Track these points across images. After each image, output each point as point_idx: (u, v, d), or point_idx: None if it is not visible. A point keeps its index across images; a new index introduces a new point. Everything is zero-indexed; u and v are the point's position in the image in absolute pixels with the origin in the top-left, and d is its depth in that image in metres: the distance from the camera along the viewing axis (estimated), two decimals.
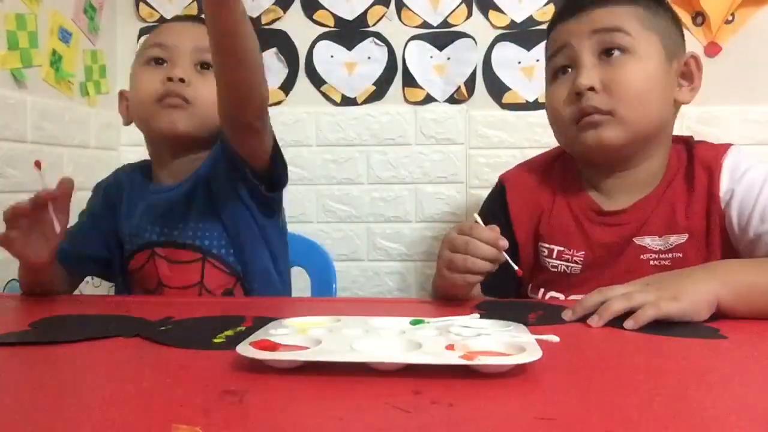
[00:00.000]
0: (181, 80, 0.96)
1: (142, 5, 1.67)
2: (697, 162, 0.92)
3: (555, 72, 0.94)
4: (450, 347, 0.53)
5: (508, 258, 0.77)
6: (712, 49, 1.53)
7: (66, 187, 0.84)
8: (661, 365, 0.54)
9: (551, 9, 1.61)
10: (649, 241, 0.90)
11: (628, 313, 0.67)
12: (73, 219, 0.91)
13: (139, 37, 1.67)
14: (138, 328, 0.65)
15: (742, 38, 1.52)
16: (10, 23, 1.24)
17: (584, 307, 0.71)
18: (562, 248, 0.95)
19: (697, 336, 0.64)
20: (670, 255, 0.90)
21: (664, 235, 0.90)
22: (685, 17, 1.51)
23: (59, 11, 1.40)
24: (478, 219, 0.81)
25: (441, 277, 0.82)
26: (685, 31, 1.50)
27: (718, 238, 0.89)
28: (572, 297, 0.92)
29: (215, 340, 0.60)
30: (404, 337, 0.57)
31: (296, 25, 1.63)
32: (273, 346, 0.54)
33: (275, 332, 0.58)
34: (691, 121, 1.51)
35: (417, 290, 1.62)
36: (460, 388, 0.46)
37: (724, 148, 0.92)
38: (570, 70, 0.92)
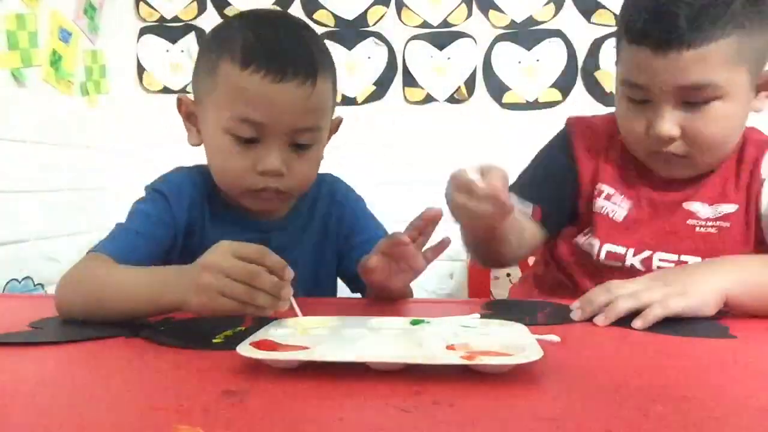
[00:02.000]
0: (279, 175, 0.83)
1: (142, 5, 1.67)
2: (749, 142, 0.92)
3: (631, 97, 0.88)
4: (450, 347, 0.53)
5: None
6: None
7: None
8: (664, 364, 0.54)
9: (551, 9, 1.61)
10: (699, 207, 0.91)
11: (636, 312, 0.67)
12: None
13: (139, 37, 1.67)
14: (138, 328, 0.65)
15: None
16: (10, 23, 1.24)
17: (593, 305, 0.70)
18: (612, 192, 0.95)
19: (705, 335, 0.63)
20: (717, 223, 0.90)
21: (714, 204, 0.91)
22: None
23: (59, 11, 1.41)
24: (475, 174, 0.76)
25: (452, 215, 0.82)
26: None
27: (754, 220, 0.90)
28: (607, 247, 0.93)
29: (215, 340, 0.60)
30: (404, 337, 0.57)
31: None
32: (273, 346, 0.54)
33: (275, 332, 0.58)
34: None
35: (418, 290, 1.62)
36: (460, 388, 0.46)
37: None
38: (647, 102, 0.86)
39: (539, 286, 1.07)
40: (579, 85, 1.67)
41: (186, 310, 0.65)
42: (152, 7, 1.66)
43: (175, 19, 1.66)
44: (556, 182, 0.98)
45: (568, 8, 1.61)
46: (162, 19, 1.66)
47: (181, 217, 0.90)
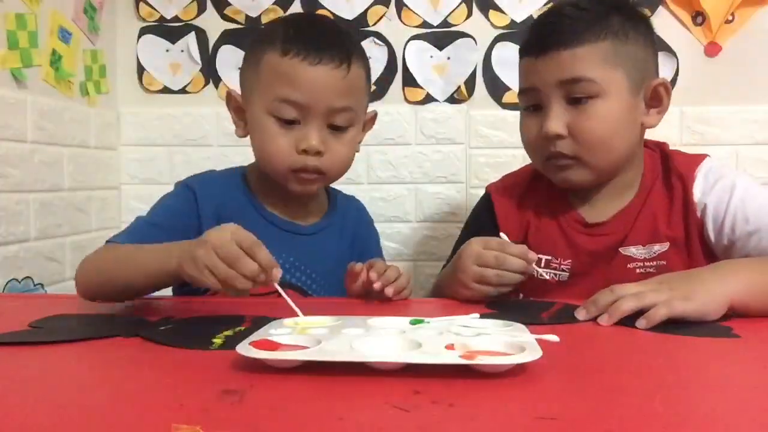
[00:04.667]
0: (318, 153, 0.90)
1: (142, 5, 1.67)
2: (673, 172, 0.96)
3: (527, 106, 0.97)
4: (450, 347, 0.53)
5: (536, 269, 0.83)
6: (712, 49, 1.53)
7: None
8: (665, 364, 0.54)
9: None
10: (634, 251, 0.94)
11: (640, 312, 0.67)
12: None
13: (139, 37, 1.67)
14: (138, 328, 0.65)
15: (742, 38, 1.52)
16: (10, 23, 1.24)
17: (597, 306, 0.71)
18: (549, 257, 0.98)
19: (708, 335, 0.63)
20: (654, 263, 0.93)
21: (648, 245, 0.94)
22: (685, 17, 1.51)
23: (59, 11, 1.40)
24: (505, 236, 0.86)
25: (466, 289, 0.84)
26: (685, 31, 1.52)
27: (699, 245, 0.92)
28: None
29: (215, 340, 0.60)
30: (404, 337, 0.57)
31: None
32: (273, 346, 0.54)
33: (275, 332, 0.58)
34: (691, 121, 1.51)
35: (417, 290, 1.61)
36: (460, 388, 0.46)
37: (699, 159, 0.96)
38: (540, 108, 0.94)
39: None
40: None
41: (182, 276, 0.71)
42: (152, 7, 1.66)
43: (175, 19, 1.66)
44: None
45: None
46: (162, 19, 1.66)
47: (208, 212, 0.94)
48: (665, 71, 1.47)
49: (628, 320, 0.67)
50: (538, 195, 1.03)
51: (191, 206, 0.94)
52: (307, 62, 0.87)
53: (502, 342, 0.54)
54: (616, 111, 0.90)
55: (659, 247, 0.93)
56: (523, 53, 0.96)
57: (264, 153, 0.93)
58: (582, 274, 0.96)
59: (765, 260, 0.81)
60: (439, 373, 0.49)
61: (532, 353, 0.50)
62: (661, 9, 1.51)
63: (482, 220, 1.05)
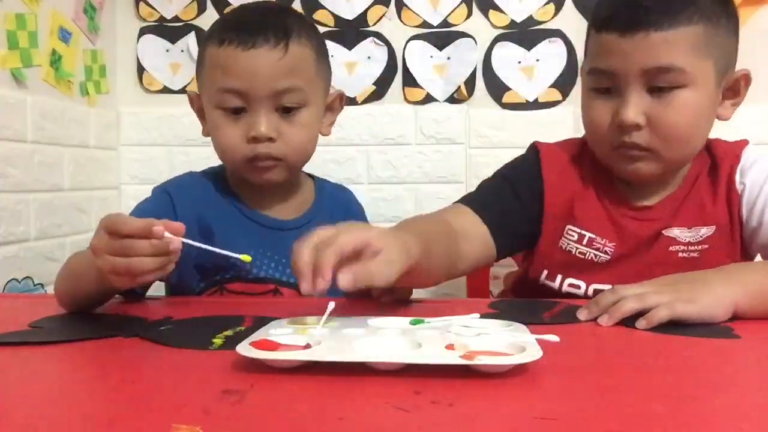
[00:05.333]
0: (269, 139, 0.88)
1: (142, 5, 1.67)
2: (720, 157, 0.92)
3: (597, 87, 0.88)
4: (450, 347, 0.53)
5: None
6: None
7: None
8: (665, 364, 0.54)
9: (551, 9, 1.61)
10: (678, 233, 0.90)
11: (642, 313, 0.67)
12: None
13: (139, 37, 1.67)
14: (137, 328, 0.65)
15: (742, 38, 1.52)
16: (10, 23, 1.24)
17: (600, 306, 0.70)
18: (593, 236, 0.92)
19: (708, 335, 0.63)
20: (699, 247, 0.90)
21: (694, 227, 0.90)
22: None
23: (59, 11, 1.40)
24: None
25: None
26: None
27: (739, 230, 0.90)
28: (594, 286, 0.92)
29: (215, 340, 0.60)
30: (404, 337, 0.57)
31: None
32: (273, 346, 0.54)
33: (275, 332, 0.58)
34: None
35: (416, 290, 1.62)
36: (460, 388, 0.46)
37: (742, 144, 0.95)
38: (612, 91, 0.86)
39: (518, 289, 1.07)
40: (579, 85, 1.67)
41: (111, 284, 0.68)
42: (152, 7, 1.66)
43: (175, 19, 1.66)
44: (515, 218, 0.94)
45: (568, 8, 1.61)
46: (162, 19, 1.66)
47: (186, 215, 0.91)
48: None
49: (629, 321, 0.67)
50: (585, 169, 0.96)
51: (168, 212, 0.92)
52: (241, 48, 0.85)
53: (503, 342, 0.54)
54: (701, 104, 0.84)
55: (706, 230, 0.89)
56: (601, 26, 0.85)
57: (218, 147, 0.92)
58: (623, 257, 0.92)
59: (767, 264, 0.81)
60: (440, 373, 0.49)
61: (532, 353, 0.50)
62: None
63: (527, 174, 0.96)
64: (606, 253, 0.92)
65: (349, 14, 1.63)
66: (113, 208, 1.60)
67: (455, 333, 0.59)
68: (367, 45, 1.63)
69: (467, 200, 0.96)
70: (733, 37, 0.87)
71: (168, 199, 0.93)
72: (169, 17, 1.67)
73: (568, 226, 0.94)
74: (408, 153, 1.61)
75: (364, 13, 1.63)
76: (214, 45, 0.88)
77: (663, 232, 0.90)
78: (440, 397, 0.44)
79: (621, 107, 0.83)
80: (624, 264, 0.91)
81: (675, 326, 0.65)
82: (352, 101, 1.63)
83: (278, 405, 0.43)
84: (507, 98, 1.60)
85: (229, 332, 0.63)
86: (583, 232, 0.93)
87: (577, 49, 1.63)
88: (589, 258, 0.93)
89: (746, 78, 0.89)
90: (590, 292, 0.93)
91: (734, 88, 0.89)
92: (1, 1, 1.21)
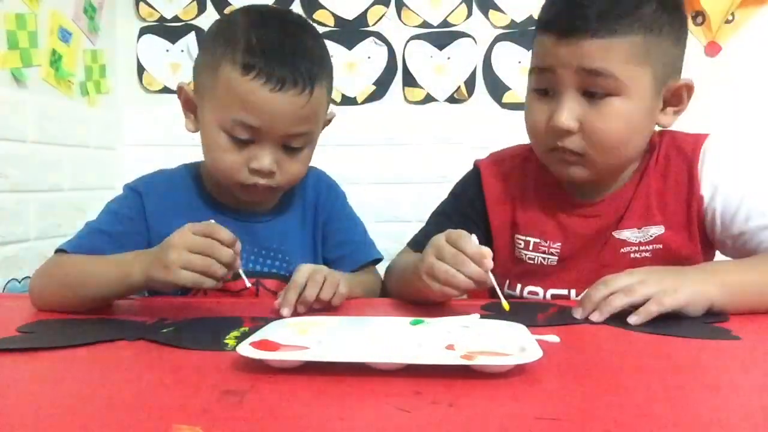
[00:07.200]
0: (270, 173, 0.87)
1: (142, 5, 1.67)
2: (673, 152, 0.91)
3: (537, 87, 0.88)
4: (450, 347, 0.53)
5: (495, 284, 0.72)
6: (712, 49, 1.53)
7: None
8: (665, 365, 0.54)
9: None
10: (628, 234, 0.89)
11: (636, 307, 0.68)
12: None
13: (139, 37, 1.67)
14: (140, 332, 0.65)
15: (742, 38, 1.52)
16: (10, 23, 1.24)
17: (591, 301, 0.71)
18: (538, 240, 0.93)
19: (708, 336, 0.63)
20: (650, 246, 0.89)
21: (643, 227, 0.89)
22: None
23: (59, 11, 1.40)
24: (470, 236, 0.74)
25: (418, 279, 0.76)
26: None
27: (697, 230, 0.88)
28: (551, 291, 0.93)
29: (227, 341, 0.60)
30: (404, 337, 0.57)
31: None
32: (273, 346, 0.54)
33: (275, 332, 0.58)
34: (691, 121, 1.51)
35: None
36: (460, 388, 0.46)
37: (700, 138, 0.91)
38: (550, 94, 0.86)
39: None
40: None
41: (151, 285, 0.74)
42: (152, 7, 1.66)
43: (175, 19, 1.66)
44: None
45: None
46: (162, 19, 1.66)
47: (156, 213, 0.93)
48: None
49: (621, 316, 0.69)
50: (528, 174, 0.98)
51: (137, 210, 0.93)
52: (268, 87, 0.82)
53: (503, 342, 0.54)
54: (634, 113, 0.83)
55: (656, 230, 0.89)
56: (542, 28, 0.86)
57: (213, 164, 0.90)
58: (572, 258, 0.92)
59: (744, 262, 0.81)
60: (440, 373, 0.49)
61: (532, 353, 0.50)
62: None
63: (469, 194, 1.00)
64: (553, 254, 0.93)
65: (349, 14, 1.63)
66: None
67: (455, 333, 0.59)
68: (367, 45, 1.63)
69: (412, 243, 1.02)
70: (678, 45, 0.86)
71: (138, 199, 0.94)
72: (169, 17, 1.67)
73: (516, 235, 0.96)
74: (408, 153, 1.61)
75: (364, 13, 1.63)
76: (236, 70, 0.82)
77: (613, 234, 0.90)
78: (440, 398, 0.44)
79: (555, 111, 0.84)
80: (576, 267, 0.91)
81: (673, 325, 0.66)
82: (352, 101, 1.63)
83: (278, 405, 0.43)
84: (507, 98, 1.60)
85: (236, 333, 0.63)
86: (528, 238, 0.94)
87: None
88: (539, 262, 0.94)
89: (688, 87, 0.87)
90: (548, 297, 0.93)
91: (677, 97, 0.87)
92: (1, 1, 1.21)
